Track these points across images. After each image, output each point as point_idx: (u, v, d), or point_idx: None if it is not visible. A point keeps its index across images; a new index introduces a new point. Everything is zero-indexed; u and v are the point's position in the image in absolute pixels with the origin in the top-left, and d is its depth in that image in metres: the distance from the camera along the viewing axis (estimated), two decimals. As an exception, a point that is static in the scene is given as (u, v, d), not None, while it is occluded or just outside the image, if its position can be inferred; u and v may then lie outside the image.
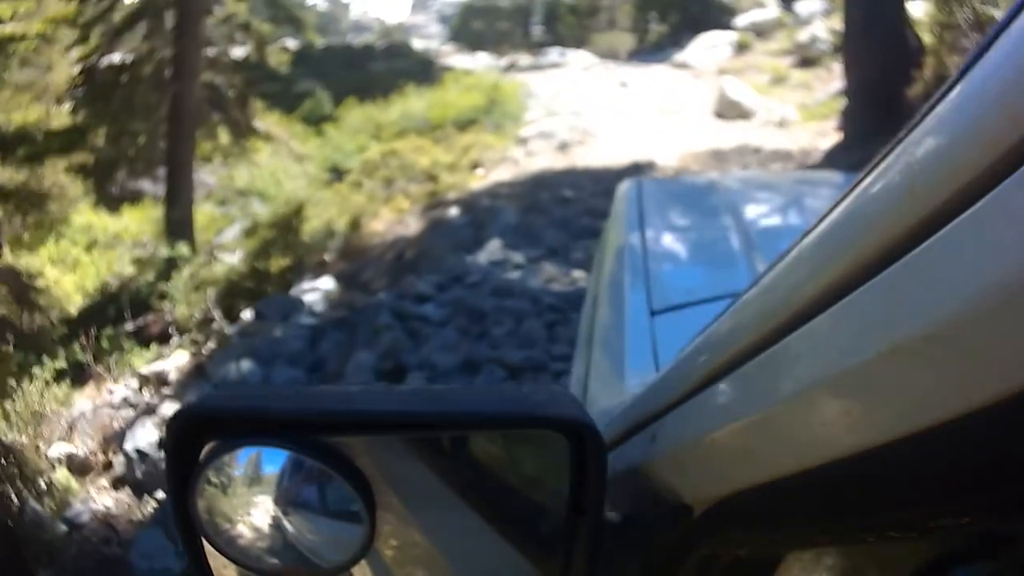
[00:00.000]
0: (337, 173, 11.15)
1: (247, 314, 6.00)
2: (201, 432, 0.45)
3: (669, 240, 1.71)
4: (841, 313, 0.29)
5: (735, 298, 0.43)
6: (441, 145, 10.52)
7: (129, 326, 6.74)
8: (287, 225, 7.83)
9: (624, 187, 2.12)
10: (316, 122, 13.70)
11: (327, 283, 6.40)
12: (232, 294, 6.87)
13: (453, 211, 7.81)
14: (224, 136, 10.49)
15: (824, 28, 13.79)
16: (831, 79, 11.83)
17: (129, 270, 8.33)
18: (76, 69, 9.30)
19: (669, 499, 0.49)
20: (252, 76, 11.06)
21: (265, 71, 10.97)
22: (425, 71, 15.93)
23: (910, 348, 0.24)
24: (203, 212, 10.25)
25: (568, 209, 7.35)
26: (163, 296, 7.05)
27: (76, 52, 9.25)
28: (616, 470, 0.54)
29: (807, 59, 13.42)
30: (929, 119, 0.27)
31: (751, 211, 1.81)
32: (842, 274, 0.29)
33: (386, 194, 8.91)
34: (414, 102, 13.20)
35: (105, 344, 6.02)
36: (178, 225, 8.58)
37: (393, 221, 8.08)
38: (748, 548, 0.45)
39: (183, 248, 7.99)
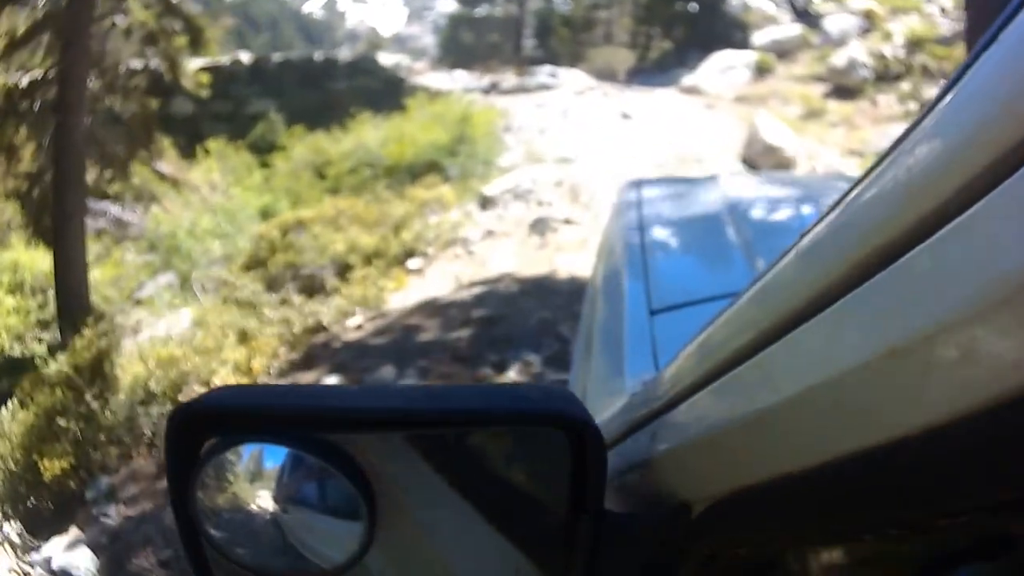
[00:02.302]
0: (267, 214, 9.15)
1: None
2: (201, 429, 0.45)
3: (669, 240, 1.71)
4: (841, 313, 0.29)
5: (735, 298, 0.43)
6: (376, 208, 7.72)
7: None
8: (95, 371, 4.89)
9: (624, 187, 2.13)
10: (267, 149, 12.03)
11: (81, 559, 3.42)
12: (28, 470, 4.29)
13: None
14: (139, 174, 8.98)
15: (864, 50, 11.81)
16: (878, 115, 9.83)
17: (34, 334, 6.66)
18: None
19: (669, 498, 0.49)
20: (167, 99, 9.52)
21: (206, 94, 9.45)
22: (392, 92, 13.89)
23: (910, 348, 0.24)
24: (125, 260, 8.53)
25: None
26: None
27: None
28: (616, 469, 0.54)
29: (844, 88, 11.17)
30: (929, 118, 0.27)
31: (751, 211, 1.80)
32: (842, 274, 0.29)
33: (266, 300, 5.94)
34: (370, 133, 10.97)
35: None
36: (68, 294, 6.70)
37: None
38: (748, 548, 0.45)
39: (40, 347, 6.07)
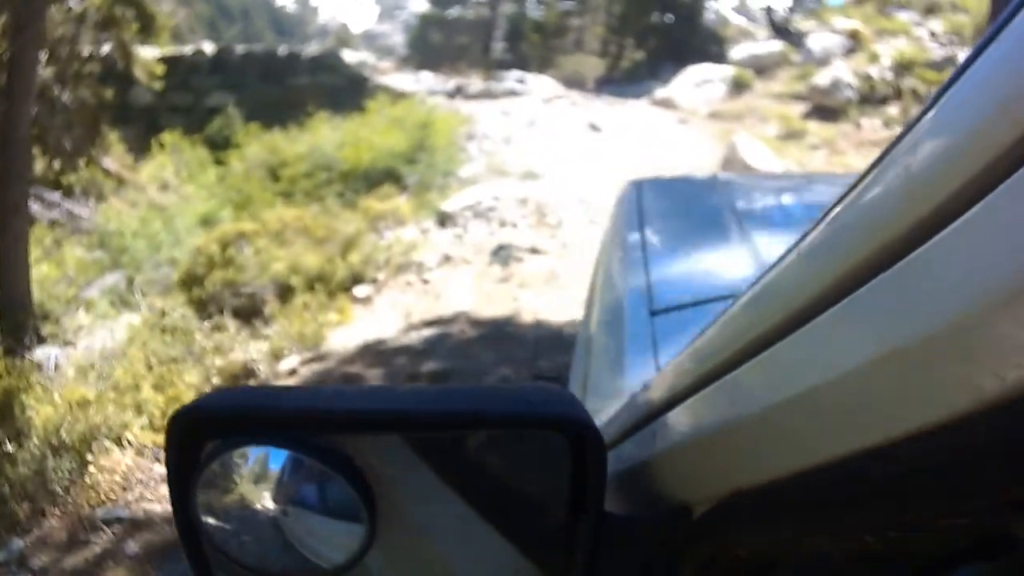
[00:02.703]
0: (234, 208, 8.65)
1: None
2: (201, 432, 0.45)
3: (669, 240, 1.70)
4: (841, 314, 0.29)
5: (735, 298, 0.43)
6: (325, 222, 6.98)
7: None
8: (4, 411, 4.17)
9: (624, 187, 2.12)
10: (224, 144, 11.53)
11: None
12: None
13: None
14: (91, 171, 8.61)
15: (849, 71, 11.22)
16: (862, 139, 9.29)
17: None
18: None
19: (669, 499, 0.49)
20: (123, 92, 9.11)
21: (180, 82, 9.24)
22: (355, 90, 13.33)
23: (910, 349, 0.25)
24: (74, 256, 7.90)
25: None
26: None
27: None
28: (616, 470, 0.54)
29: (825, 108, 10.61)
30: (927, 120, 0.27)
31: (751, 211, 1.80)
32: (842, 275, 0.29)
33: (196, 326, 5.24)
34: (327, 135, 10.35)
35: None
36: (10, 294, 6.08)
37: (149, 452, 3.94)
38: (748, 548, 0.45)
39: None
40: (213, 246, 6.46)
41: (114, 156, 9.83)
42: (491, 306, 5.16)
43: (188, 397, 3.87)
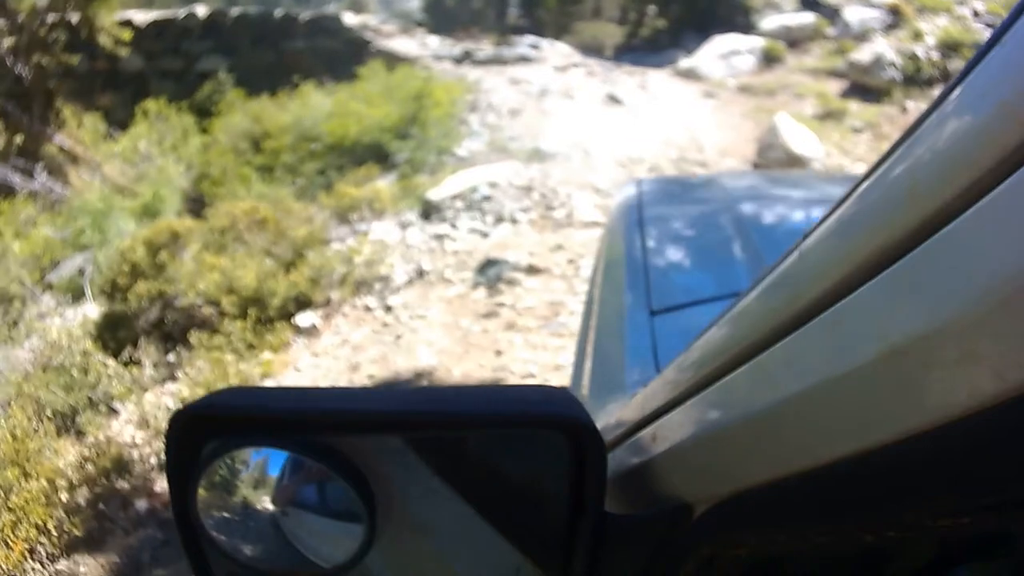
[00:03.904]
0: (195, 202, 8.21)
1: None
2: (202, 432, 0.45)
3: (669, 240, 1.70)
4: (842, 313, 0.29)
5: (735, 298, 0.43)
6: (278, 220, 5.64)
7: None
8: None
9: (624, 187, 2.12)
10: (212, 111, 10.90)
11: None
12: None
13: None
14: (47, 147, 8.38)
15: (891, 48, 10.35)
16: (908, 123, 7.65)
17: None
18: None
19: (669, 499, 0.49)
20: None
21: (163, 47, 8.83)
22: (354, 54, 12.53)
23: (910, 348, 0.25)
24: (41, 235, 7.43)
25: None
26: None
27: None
28: (616, 470, 0.54)
29: (865, 87, 9.71)
30: (931, 119, 0.27)
31: (751, 211, 1.80)
32: (843, 274, 0.29)
33: (99, 366, 4.12)
34: (317, 103, 9.54)
35: None
36: None
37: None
38: (748, 548, 0.45)
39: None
40: (140, 250, 5.30)
41: (69, 132, 9.47)
42: (466, 360, 3.96)
43: (40, 513, 3.00)
